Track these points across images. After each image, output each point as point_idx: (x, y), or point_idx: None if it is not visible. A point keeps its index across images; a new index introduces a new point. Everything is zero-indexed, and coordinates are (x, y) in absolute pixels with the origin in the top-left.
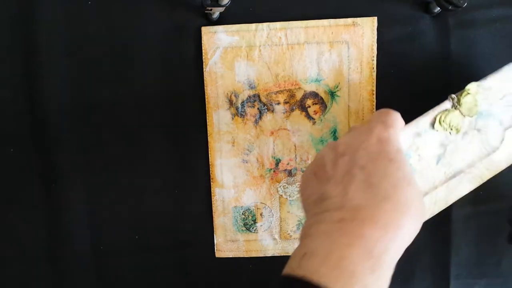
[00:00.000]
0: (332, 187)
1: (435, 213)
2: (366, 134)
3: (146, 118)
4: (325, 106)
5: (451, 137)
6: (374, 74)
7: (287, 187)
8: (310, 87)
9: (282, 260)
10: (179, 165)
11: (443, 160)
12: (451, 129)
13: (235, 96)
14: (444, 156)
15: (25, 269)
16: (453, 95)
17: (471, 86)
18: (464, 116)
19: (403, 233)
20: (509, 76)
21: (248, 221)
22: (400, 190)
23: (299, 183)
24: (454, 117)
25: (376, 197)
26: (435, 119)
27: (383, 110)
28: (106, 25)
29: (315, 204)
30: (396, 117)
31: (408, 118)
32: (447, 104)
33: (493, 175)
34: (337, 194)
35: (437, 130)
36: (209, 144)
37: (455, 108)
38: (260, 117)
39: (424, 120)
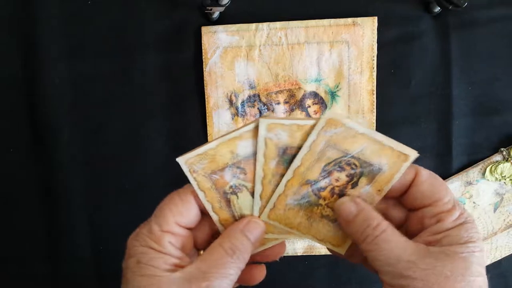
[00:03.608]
0: None
1: (497, 259)
2: None
3: (146, 118)
4: (325, 106)
5: (507, 187)
6: (374, 74)
7: None
8: (310, 87)
9: (282, 260)
10: (179, 164)
11: (501, 208)
12: (505, 179)
13: (235, 96)
14: (501, 204)
15: (25, 269)
16: (503, 149)
17: None
18: None
19: None
20: None
21: None
22: None
23: None
24: (506, 168)
25: None
26: (485, 169)
27: None
28: (106, 25)
29: None
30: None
31: (408, 119)
32: (497, 157)
33: None
34: None
35: (488, 179)
36: None
37: (506, 161)
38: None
39: (474, 170)
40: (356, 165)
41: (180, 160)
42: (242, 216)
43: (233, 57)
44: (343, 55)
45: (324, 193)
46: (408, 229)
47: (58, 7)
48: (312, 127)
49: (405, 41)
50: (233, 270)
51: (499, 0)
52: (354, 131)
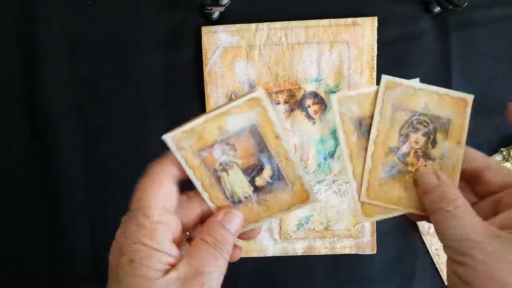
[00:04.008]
0: None
1: None
2: None
3: (146, 118)
4: (325, 106)
5: None
6: (374, 74)
7: None
8: (310, 87)
9: (282, 260)
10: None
11: None
12: None
13: (235, 96)
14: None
15: (25, 269)
16: (503, 149)
17: None
18: None
19: None
20: None
21: None
22: None
23: None
24: None
25: None
26: None
27: None
28: (106, 25)
29: None
30: None
31: None
32: (497, 157)
33: None
34: None
35: None
36: None
37: (506, 161)
38: None
39: None
40: (427, 122)
41: (166, 137)
42: (233, 193)
43: (233, 57)
44: (343, 55)
45: (410, 159)
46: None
47: (58, 7)
48: (376, 94)
49: (405, 41)
50: (221, 261)
51: (499, 0)
52: (412, 88)
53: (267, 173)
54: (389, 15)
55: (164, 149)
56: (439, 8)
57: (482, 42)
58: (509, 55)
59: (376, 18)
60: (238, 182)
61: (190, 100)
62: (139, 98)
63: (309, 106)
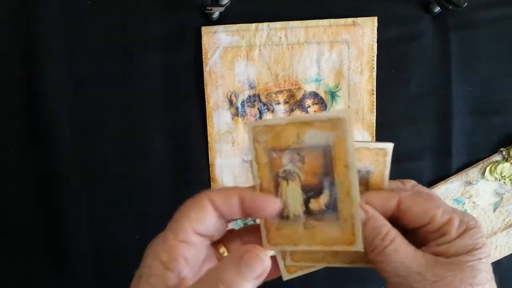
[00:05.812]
0: None
1: (497, 258)
2: None
3: (146, 118)
4: (325, 106)
5: (507, 187)
6: (374, 74)
7: None
8: (310, 87)
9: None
10: (179, 164)
11: (501, 208)
12: (504, 179)
13: (235, 96)
14: (501, 204)
15: (25, 269)
16: (503, 149)
17: None
18: None
19: None
20: None
21: (248, 222)
22: None
23: None
24: (506, 168)
25: None
26: (485, 169)
27: None
28: (106, 25)
29: None
30: None
31: (408, 119)
32: (497, 157)
33: None
34: None
35: (487, 179)
36: (209, 144)
37: (506, 160)
38: (260, 117)
39: (474, 170)
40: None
41: (248, 125)
42: (285, 206)
43: (233, 57)
44: (343, 55)
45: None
46: (411, 242)
47: (58, 7)
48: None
49: (405, 41)
50: None
51: (499, 0)
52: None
53: (323, 199)
54: (389, 15)
55: (164, 148)
56: (439, 8)
57: (482, 42)
58: (509, 55)
59: (376, 18)
60: (294, 196)
61: (190, 100)
62: (139, 98)
63: (309, 106)
